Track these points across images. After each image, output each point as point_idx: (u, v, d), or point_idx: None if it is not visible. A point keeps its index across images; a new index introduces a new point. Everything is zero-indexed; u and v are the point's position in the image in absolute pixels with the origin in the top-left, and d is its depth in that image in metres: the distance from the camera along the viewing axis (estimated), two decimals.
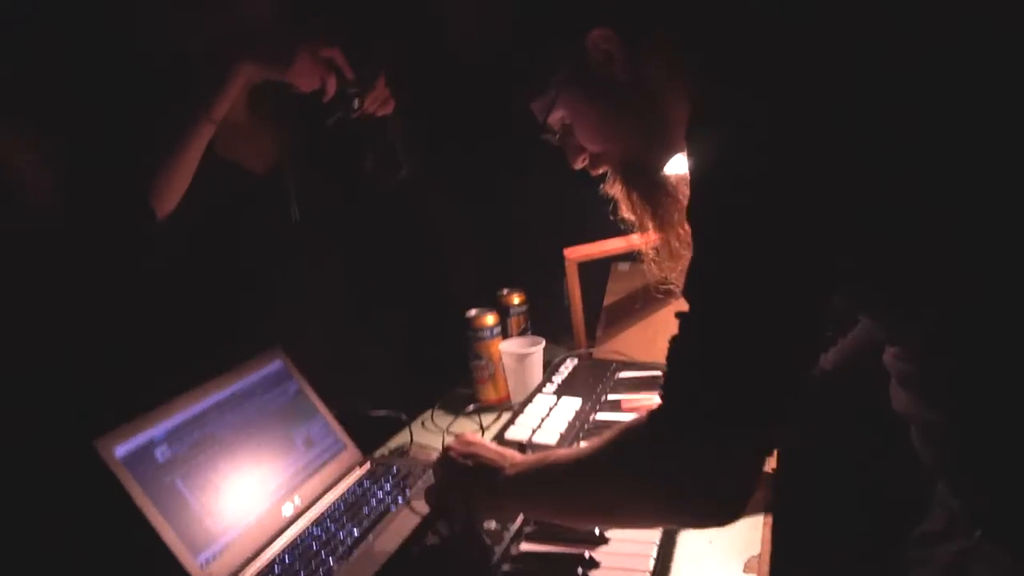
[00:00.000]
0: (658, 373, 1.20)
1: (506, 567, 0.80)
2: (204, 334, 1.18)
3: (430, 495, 0.85)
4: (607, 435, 0.66)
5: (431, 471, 0.87)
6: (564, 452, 0.72)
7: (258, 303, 1.22)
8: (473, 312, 1.33)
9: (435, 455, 1.07)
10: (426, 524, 0.84)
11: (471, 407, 1.28)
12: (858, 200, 0.55)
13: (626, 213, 0.85)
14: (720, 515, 0.59)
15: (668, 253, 0.83)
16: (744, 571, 0.79)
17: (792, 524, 0.81)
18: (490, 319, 1.32)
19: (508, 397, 1.33)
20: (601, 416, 1.12)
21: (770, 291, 0.56)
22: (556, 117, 0.80)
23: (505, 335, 1.35)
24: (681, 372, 0.60)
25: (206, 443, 1.02)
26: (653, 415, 0.62)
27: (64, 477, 0.87)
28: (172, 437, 0.99)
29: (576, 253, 1.33)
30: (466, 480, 0.80)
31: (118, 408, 0.94)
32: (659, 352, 1.26)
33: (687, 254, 0.81)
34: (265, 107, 1.28)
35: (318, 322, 1.29)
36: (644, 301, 1.37)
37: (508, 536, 0.83)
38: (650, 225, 0.83)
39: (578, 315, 1.37)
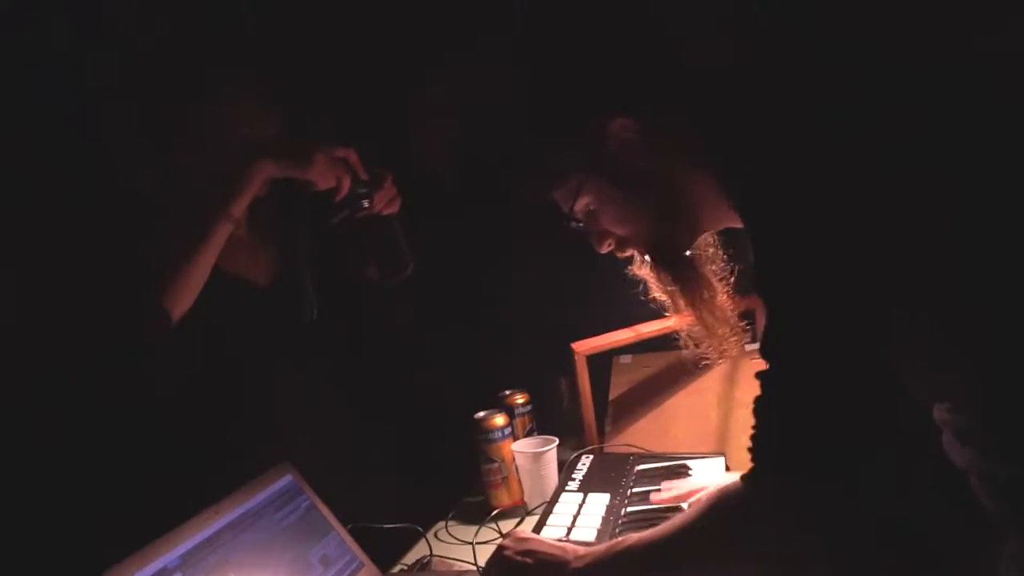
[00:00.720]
0: (676, 463, 1.18)
1: None
2: (206, 453, 1.12)
3: None
4: (699, 507, 0.65)
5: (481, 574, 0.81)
6: (641, 535, 0.69)
7: (260, 418, 1.18)
8: (482, 414, 1.30)
9: (459, 567, 1.08)
10: None
11: (495, 511, 1.24)
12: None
13: (656, 293, 0.86)
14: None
15: (702, 329, 0.84)
16: None
17: None
18: (500, 420, 1.29)
19: (522, 501, 1.29)
20: (632, 509, 1.08)
21: (852, 339, 0.56)
22: (581, 204, 0.81)
23: (514, 437, 1.32)
24: (769, 430, 0.59)
25: (222, 567, 0.95)
26: (748, 478, 0.61)
27: None
28: (186, 564, 0.92)
29: (584, 347, 1.32)
30: None
31: (124, 538, 0.87)
32: (672, 442, 1.29)
33: (721, 330, 0.82)
34: (263, 221, 1.29)
35: (318, 435, 1.24)
36: (651, 392, 1.37)
37: None
38: (681, 303, 0.84)
39: (589, 410, 1.35)
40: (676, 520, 0.66)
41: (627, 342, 1.33)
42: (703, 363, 0.86)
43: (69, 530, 0.92)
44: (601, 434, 1.36)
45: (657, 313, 1.35)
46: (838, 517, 0.56)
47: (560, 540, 0.95)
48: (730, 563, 0.61)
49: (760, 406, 0.60)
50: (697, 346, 0.85)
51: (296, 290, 1.20)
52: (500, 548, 0.79)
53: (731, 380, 1.29)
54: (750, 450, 0.61)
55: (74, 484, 0.96)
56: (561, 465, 1.27)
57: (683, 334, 0.86)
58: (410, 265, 1.21)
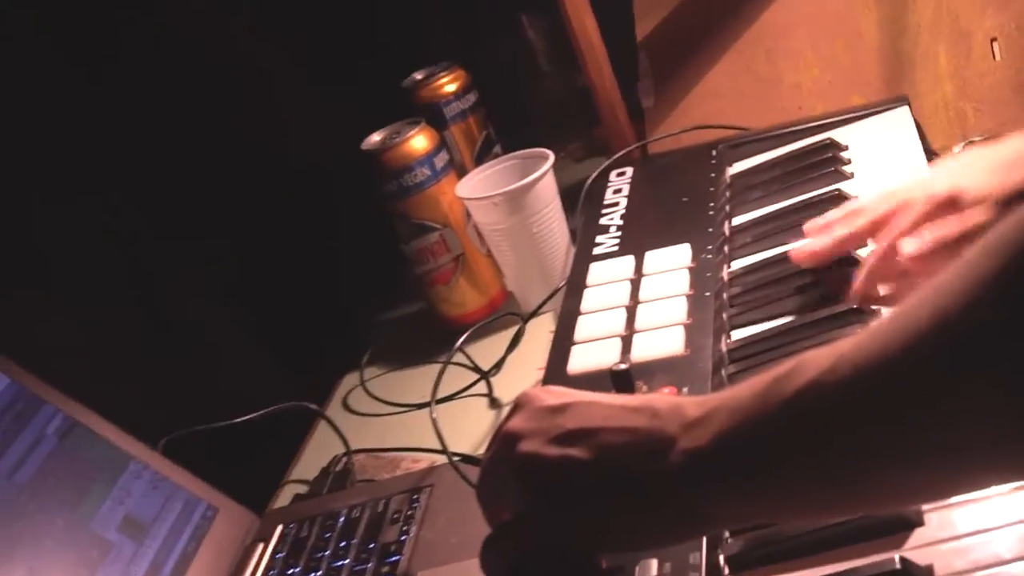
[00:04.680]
0: (817, 144, 1.15)
1: None
2: None
3: (493, 554, 0.72)
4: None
5: (477, 494, 0.76)
6: (835, 348, 0.58)
7: None
8: (378, 137, 1.26)
9: (412, 463, 1.09)
10: None
11: (466, 333, 1.19)
12: None
13: None
14: None
15: None
16: None
17: None
18: (420, 141, 1.24)
19: (504, 295, 1.30)
20: (745, 261, 1.03)
21: None
22: None
23: (457, 171, 1.31)
24: None
25: None
26: None
27: None
28: None
29: None
30: (586, 494, 0.67)
31: None
32: (790, 95, 1.30)
33: None
34: None
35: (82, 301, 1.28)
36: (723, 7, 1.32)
37: None
38: None
39: (602, 74, 1.30)
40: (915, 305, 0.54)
41: None
42: None
43: None
44: (636, 121, 1.34)
45: None
46: None
47: (617, 372, 0.88)
48: None
49: None
50: None
51: None
52: (507, 439, 0.70)
53: None
54: None
55: None
56: (570, 203, 1.23)
57: None
58: None
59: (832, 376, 0.57)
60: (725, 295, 1.00)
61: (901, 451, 0.56)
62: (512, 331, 1.20)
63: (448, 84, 1.34)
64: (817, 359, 0.58)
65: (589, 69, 1.31)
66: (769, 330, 0.90)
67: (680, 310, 0.98)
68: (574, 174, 1.40)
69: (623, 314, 1.00)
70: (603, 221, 1.17)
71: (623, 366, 0.88)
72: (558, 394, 0.72)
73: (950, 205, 0.91)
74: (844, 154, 1.12)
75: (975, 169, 0.92)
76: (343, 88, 1.47)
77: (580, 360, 0.99)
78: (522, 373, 1.14)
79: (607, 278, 1.06)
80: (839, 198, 1.03)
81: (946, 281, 0.54)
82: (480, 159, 1.34)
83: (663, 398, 0.68)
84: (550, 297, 1.16)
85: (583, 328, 1.01)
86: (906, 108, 1.11)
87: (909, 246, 0.90)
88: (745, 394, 0.61)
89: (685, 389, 0.91)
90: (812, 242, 0.98)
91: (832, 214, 1.00)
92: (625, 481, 0.65)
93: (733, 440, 0.61)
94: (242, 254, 1.47)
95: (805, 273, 0.96)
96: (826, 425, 0.57)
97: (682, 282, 1.01)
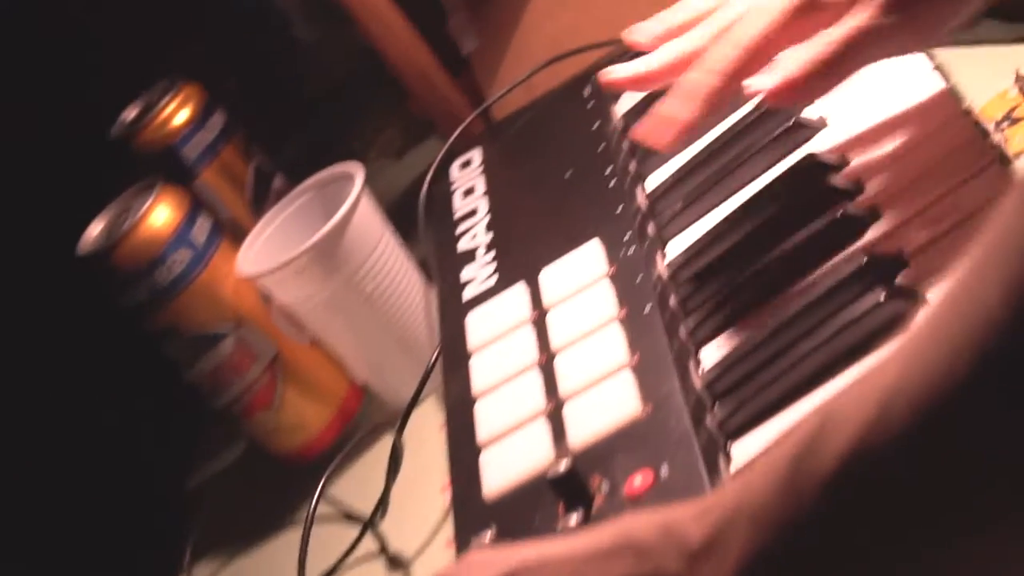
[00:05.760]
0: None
1: None
2: None
3: None
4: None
5: None
6: (869, 384, 0.57)
7: None
8: (97, 230, 1.28)
9: None
10: None
11: (323, 475, 1.18)
12: None
13: None
14: None
15: None
16: None
17: None
18: (164, 212, 1.27)
19: (356, 395, 1.36)
20: (680, 242, 1.02)
21: None
22: None
23: (231, 235, 1.35)
24: None
25: None
26: None
27: None
28: None
29: None
30: None
31: None
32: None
33: None
34: None
35: None
36: None
37: None
38: None
39: (391, 22, 1.39)
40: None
41: None
42: None
43: None
44: (462, 76, 1.43)
45: None
46: None
47: (558, 478, 0.88)
48: None
49: None
50: None
51: None
52: None
53: None
54: None
55: None
56: (406, 222, 1.30)
57: None
58: None
59: (885, 428, 0.54)
60: (672, 299, 0.98)
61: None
62: (386, 445, 1.16)
63: (177, 112, 1.36)
64: (852, 404, 0.56)
65: (365, 19, 1.36)
66: (756, 334, 0.87)
67: (617, 346, 0.95)
68: (398, 177, 1.44)
69: (537, 378, 0.98)
70: (463, 243, 1.18)
71: (562, 467, 0.87)
72: (489, 563, 0.73)
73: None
74: None
75: None
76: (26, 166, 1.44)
77: (496, 473, 0.96)
78: (419, 504, 1.12)
79: (497, 329, 1.06)
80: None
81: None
82: (259, 205, 1.38)
83: (644, 521, 0.66)
84: (425, 378, 1.15)
85: (486, 418, 1.00)
86: None
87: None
88: (763, 486, 0.59)
89: (663, 468, 0.87)
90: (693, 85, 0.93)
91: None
92: None
93: (768, 568, 0.59)
94: None
95: (773, 230, 0.95)
96: (899, 509, 0.55)
97: (605, 300, 1.00)
